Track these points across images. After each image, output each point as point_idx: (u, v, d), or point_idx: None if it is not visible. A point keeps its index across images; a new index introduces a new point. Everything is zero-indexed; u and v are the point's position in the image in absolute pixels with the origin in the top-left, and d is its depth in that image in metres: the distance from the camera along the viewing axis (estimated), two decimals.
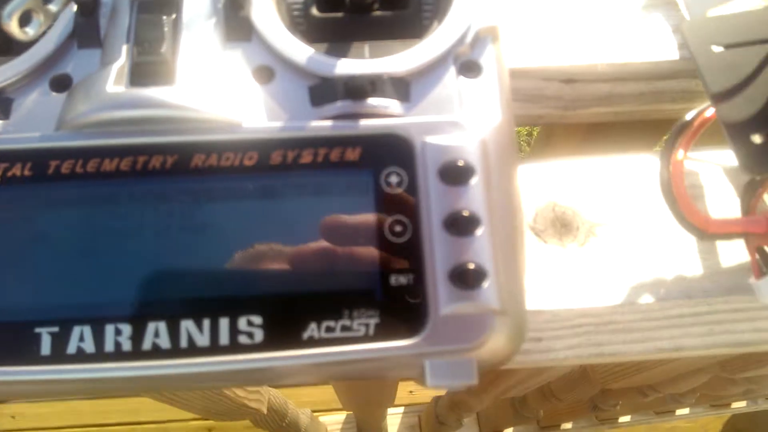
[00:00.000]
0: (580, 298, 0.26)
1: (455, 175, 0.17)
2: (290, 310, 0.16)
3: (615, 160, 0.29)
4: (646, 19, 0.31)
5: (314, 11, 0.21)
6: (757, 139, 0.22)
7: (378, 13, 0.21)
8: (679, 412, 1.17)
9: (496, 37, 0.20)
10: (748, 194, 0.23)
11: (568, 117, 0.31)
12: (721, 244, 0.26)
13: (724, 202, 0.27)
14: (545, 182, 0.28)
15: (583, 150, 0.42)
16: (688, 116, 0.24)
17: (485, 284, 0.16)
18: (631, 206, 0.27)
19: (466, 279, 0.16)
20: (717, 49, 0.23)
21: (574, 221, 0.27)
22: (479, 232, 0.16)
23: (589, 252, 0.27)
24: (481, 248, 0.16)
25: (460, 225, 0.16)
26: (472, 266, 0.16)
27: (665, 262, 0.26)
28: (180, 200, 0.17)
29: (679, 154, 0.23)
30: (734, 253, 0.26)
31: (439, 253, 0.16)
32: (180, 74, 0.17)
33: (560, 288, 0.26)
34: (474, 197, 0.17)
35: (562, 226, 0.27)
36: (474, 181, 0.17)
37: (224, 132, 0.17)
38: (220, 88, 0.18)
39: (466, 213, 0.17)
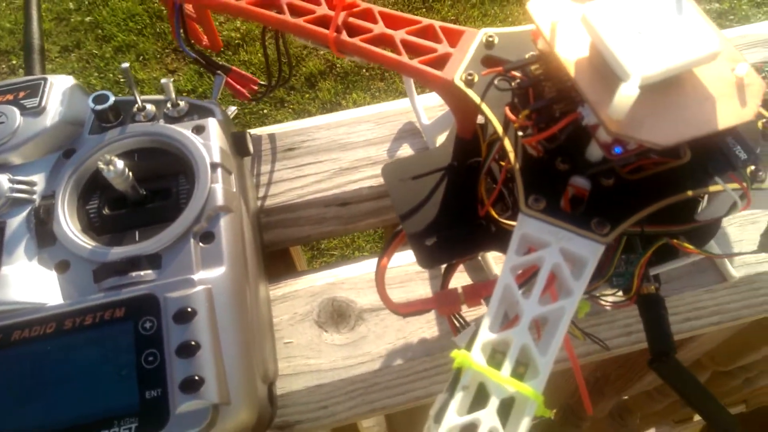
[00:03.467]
0: (351, 368, 0.35)
1: (184, 316, 0.26)
2: (79, 429, 0.25)
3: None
4: (397, 147, 0.42)
5: (105, 211, 0.30)
6: (428, 242, 0.32)
7: (150, 205, 0.31)
8: None
9: (228, 210, 0.30)
10: (445, 275, 0.33)
11: (350, 230, 0.41)
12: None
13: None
14: (327, 284, 0.38)
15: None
16: (397, 229, 0.34)
17: (203, 388, 0.25)
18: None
19: (190, 386, 0.25)
20: (405, 181, 0.34)
21: (348, 311, 0.37)
22: (199, 353, 0.26)
23: (358, 333, 0.36)
24: (200, 364, 0.25)
25: (187, 350, 0.26)
26: (196, 377, 0.25)
27: (411, 329, 0.36)
28: (5, 365, 0.26)
29: (384, 260, 0.32)
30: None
31: (174, 371, 0.25)
32: (2, 280, 0.27)
33: (337, 364, 0.35)
34: (196, 330, 0.26)
35: (339, 316, 0.37)
36: (196, 319, 0.26)
37: (33, 312, 0.26)
38: (30, 283, 0.27)
39: (193, 342, 0.26)
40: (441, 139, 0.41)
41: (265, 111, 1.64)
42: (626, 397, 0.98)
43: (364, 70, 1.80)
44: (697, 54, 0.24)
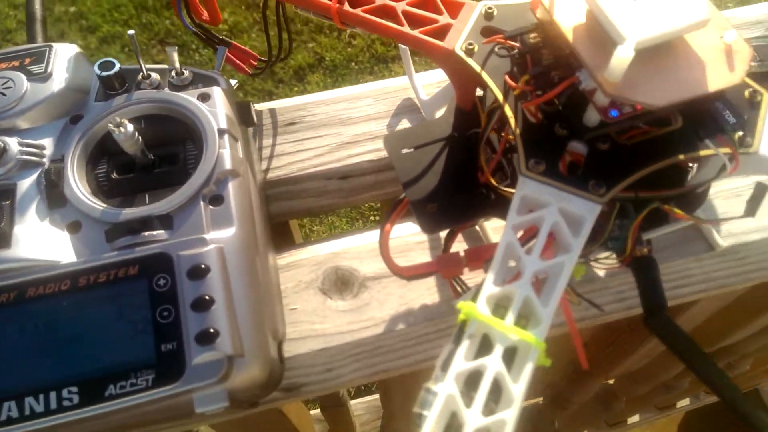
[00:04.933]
0: (355, 333, 0.36)
1: (197, 273, 0.27)
2: (95, 381, 0.25)
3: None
4: (396, 122, 0.43)
5: (114, 175, 0.31)
6: (431, 209, 0.33)
7: (158, 170, 0.31)
8: (631, 420, 1.26)
9: (236, 175, 0.31)
10: (446, 241, 0.34)
11: (351, 202, 0.42)
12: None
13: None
14: (331, 253, 0.39)
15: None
16: (400, 197, 0.35)
17: (219, 340, 0.26)
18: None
19: (206, 338, 0.26)
20: (407, 151, 0.35)
21: (351, 279, 0.38)
22: (213, 307, 0.26)
23: (362, 300, 0.37)
24: (215, 318, 0.26)
25: (201, 305, 0.26)
26: (211, 330, 0.26)
27: (412, 295, 0.37)
28: (21, 320, 0.26)
29: (388, 226, 0.33)
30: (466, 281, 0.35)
31: (189, 325, 0.26)
32: (14, 239, 0.27)
33: (342, 328, 0.36)
34: (209, 286, 0.27)
35: (342, 283, 0.38)
36: (209, 275, 0.27)
37: (47, 270, 0.27)
38: (43, 242, 0.28)
39: (207, 297, 0.27)
40: (439, 114, 0.42)
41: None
42: (611, 382, 1.01)
43: (353, 64, 1.81)
44: (687, 21, 0.25)
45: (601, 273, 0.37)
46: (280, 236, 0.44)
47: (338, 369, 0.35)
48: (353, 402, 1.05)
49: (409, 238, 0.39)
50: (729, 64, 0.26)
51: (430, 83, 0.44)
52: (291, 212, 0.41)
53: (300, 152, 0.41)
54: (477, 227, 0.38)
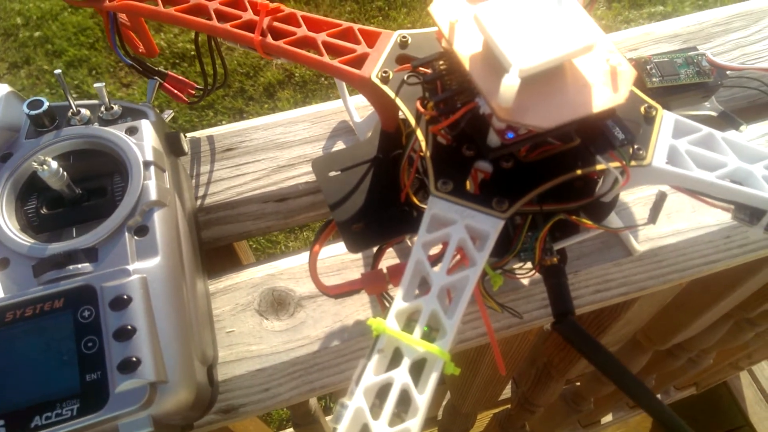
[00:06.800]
0: (291, 352, 0.37)
1: (120, 303, 0.28)
2: (21, 413, 0.26)
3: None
4: (331, 144, 0.45)
5: (43, 210, 0.32)
6: (357, 228, 0.34)
7: (86, 203, 0.32)
8: (605, 420, 1.28)
9: (162, 205, 0.32)
10: (375, 258, 0.36)
11: (289, 224, 0.44)
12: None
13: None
14: (267, 275, 0.40)
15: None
16: (329, 218, 0.36)
17: (140, 368, 0.27)
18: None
19: (128, 366, 0.27)
20: (334, 173, 0.36)
21: (287, 299, 0.39)
22: (135, 336, 0.27)
23: (297, 319, 0.38)
24: (137, 346, 0.27)
25: (123, 334, 0.27)
26: (133, 358, 0.27)
27: (347, 312, 0.38)
28: None
29: (316, 247, 0.35)
30: None
31: (112, 354, 0.27)
32: None
33: (278, 348, 0.37)
34: (131, 316, 0.28)
35: (279, 304, 0.39)
36: (132, 305, 0.28)
37: None
38: None
39: (129, 326, 0.28)
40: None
41: (223, 122, 1.65)
42: (578, 384, 1.03)
43: (322, 79, 1.83)
44: (572, 47, 0.27)
45: (525, 282, 0.39)
46: (225, 259, 0.45)
47: (275, 388, 0.36)
48: (329, 418, 1.05)
49: (345, 257, 0.40)
50: (614, 85, 0.28)
51: (366, 105, 0.46)
52: (230, 235, 0.42)
53: (238, 177, 0.43)
54: (409, 243, 0.40)
